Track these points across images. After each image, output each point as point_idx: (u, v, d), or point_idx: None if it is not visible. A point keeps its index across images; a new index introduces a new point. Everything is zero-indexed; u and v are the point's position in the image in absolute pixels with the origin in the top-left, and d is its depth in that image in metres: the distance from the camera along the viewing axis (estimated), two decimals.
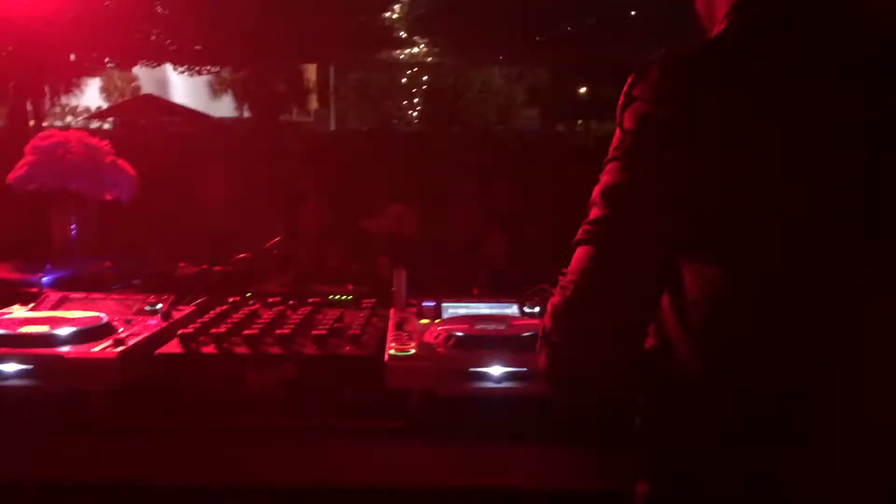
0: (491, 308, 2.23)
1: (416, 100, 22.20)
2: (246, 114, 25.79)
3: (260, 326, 1.84)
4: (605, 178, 1.13)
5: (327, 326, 1.86)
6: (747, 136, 1.03)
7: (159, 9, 6.43)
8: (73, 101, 23.61)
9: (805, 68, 1.06)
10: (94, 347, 1.74)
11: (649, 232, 1.08)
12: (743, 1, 1.16)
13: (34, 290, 2.32)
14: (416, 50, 9.31)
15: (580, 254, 1.13)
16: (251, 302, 2.20)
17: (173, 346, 1.77)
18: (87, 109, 26.16)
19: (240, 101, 26.28)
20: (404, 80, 21.25)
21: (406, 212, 3.98)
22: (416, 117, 23.57)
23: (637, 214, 1.09)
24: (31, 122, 17.83)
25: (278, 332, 1.82)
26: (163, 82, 28.20)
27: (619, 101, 1.14)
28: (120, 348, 1.72)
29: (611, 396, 1.41)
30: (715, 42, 1.16)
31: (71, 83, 21.45)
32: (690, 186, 1.05)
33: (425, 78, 21.62)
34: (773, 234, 1.03)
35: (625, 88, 1.13)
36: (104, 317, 1.92)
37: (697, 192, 1.05)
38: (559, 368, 1.18)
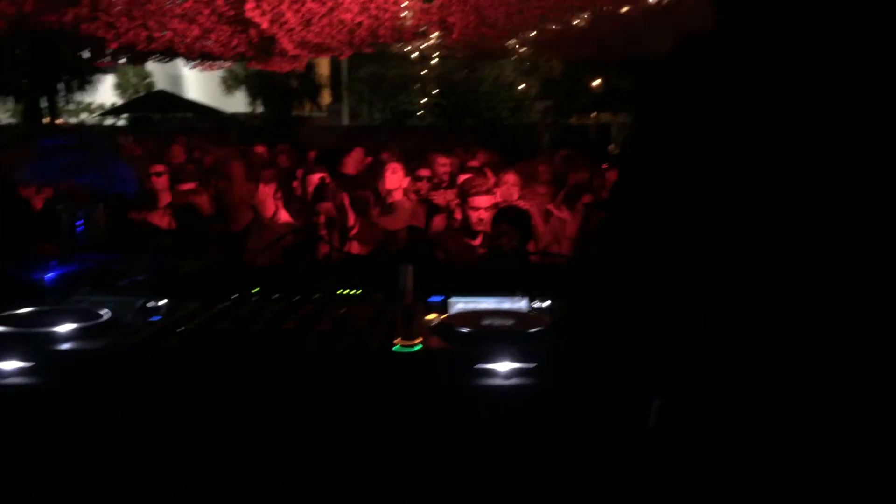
0: (499, 303, 2.19)
1: (428, 93, 22.17)
2: (259, 109, 25.86)
3: (264, 323, 1.82)
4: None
5: (331, 322, 1.83)
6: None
7: (169, 4, 6.44)
8: (88, 98, 23.73)
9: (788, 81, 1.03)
10: (97, 344, 1.72)
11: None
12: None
13: (41, 285, 2.31)
14: (427, 43, 9.29)
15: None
16: (254, 299, 2.17)
17: (174, 344, 1.75)
18: (102, 106, 26.30)
19: (253, 96, 26.34)
20: (417, 73, 21.22)
21: (417, 209, 3.96)
22: (429, 111, 23.55)
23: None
24: (46, 119, 17.94)
25: (283, 327, 1.79)
26: (176, 78, 28.33)
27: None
28: (123, 345, 1.70)
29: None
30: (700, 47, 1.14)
31: (85, 80, 21.60)
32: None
33: (437, 72, 21.58)
34: None
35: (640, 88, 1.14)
36: (108, 313, 1.91)
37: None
38: None
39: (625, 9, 7.01)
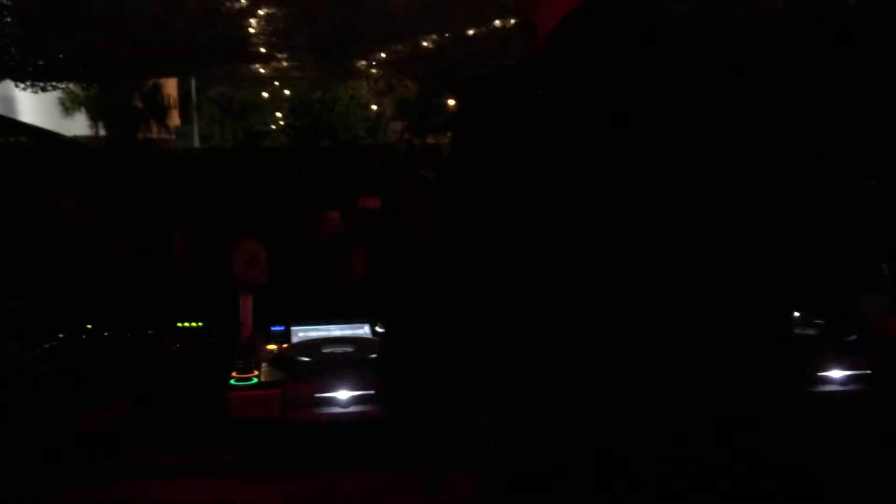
0: (342, 330, 2.20)
1: (281, 115, 21.85)
2: (102, 132, 24.64)
3: (90, 363, 1.74)
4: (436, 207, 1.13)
5: (164, 360, 1.78)
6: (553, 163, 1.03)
7: None
8: None
9: (624, 94, 1.07)
10: None
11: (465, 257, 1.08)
12: (563, 26, 1.16)
13: None
14: (277, 65, 9.17)
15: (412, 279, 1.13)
16: (84, 336, 2.07)
17: None
18: None
19: (94, 118, 25.06)
20: (267, 95, 20.88)
21: (258, 249, 3.89)
22: (283, 133, 23.20)
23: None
24: None
25: (110, 366, 1.72)
26: (7, 100, 26.55)
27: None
28: None
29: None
30: (533, 65, 1.16)
31: None
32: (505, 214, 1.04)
33: (288, 93, 21.33)
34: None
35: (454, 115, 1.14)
36: None
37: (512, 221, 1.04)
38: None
39: (471, 31, 7.19)
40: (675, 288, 1.04)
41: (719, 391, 1.06)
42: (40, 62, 7.89)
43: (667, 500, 1.02)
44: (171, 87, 25.56)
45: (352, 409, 1.71)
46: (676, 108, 1.08)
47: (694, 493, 1.03)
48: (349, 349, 1.93)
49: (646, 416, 1.03)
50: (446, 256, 1.09)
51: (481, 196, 1.04)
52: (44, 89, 10.66)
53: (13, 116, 23.10)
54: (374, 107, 26.18)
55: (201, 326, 2.29)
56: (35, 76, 9.50)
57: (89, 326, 2.24)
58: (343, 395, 1.71)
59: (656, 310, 1.04)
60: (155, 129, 24.74)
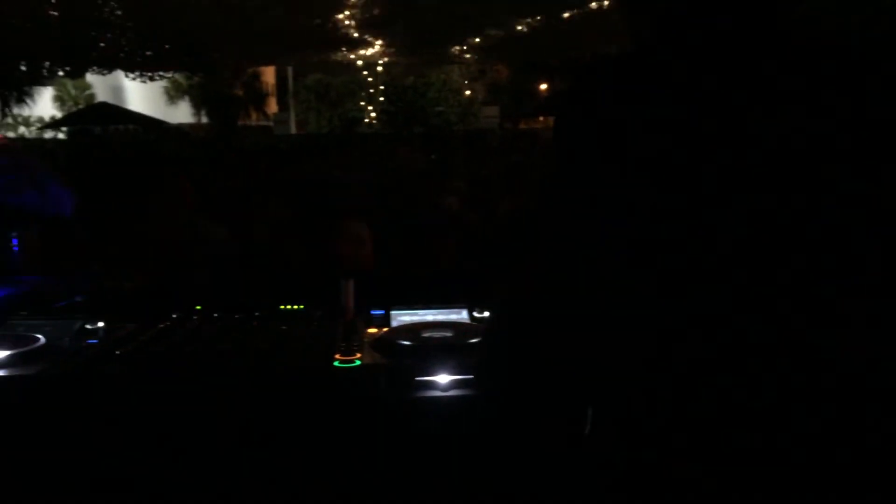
0: (441, 314, 2.22)
1: (376, 100, 22.15)
2: (204, 119, 25.53)
3: (202, 343, 1.82)
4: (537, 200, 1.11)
5: (271, 340, 1.83)
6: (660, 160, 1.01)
7: (107, 14, 6.33)
8: (26, 111, 23.15)
9: (727, 92, 1.04)
10: (30, 370, 1.70)
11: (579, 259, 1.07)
12: (665, 18, 1.13)
13: None
14: (371, 51, 9.29)
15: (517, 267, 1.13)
16: (195, 318, 2.16)
17: (111, 367, 1.73)
18: (41, 119, 25.68)
19: (197, 106, 25.99)
20: (363, 81, 21.18)
21: (363, 231, 3.95)
22: (377, 118, 23.51)
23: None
24: None
25: (220, 347, 1.79)
26: (118, 90, 27.78)
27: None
28: (59, 370, 1.68)
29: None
30: (632, 58, 1.14)
31: (23, 92, 21.08)
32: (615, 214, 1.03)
33: (384, 79, 21.58)
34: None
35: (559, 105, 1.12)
36: (41, 339, 1.88)
37: (625, 220, 1.03)
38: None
39: (566, 14, 7.10)
40: (813, 294, 1.01)
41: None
42: (148, 53, 8.23)
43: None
44: (269, 75, 26.22)
45: (451, 392, 1.72)
46: (791, 98, 1.05)
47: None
48: (448, 333, 1.95)
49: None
50: (552, 246, 1.08)
51: (591, 189, 1.03)
52: (151, 79, 11.12)
53: (122, 105, 24.23)
54: (466, 92, 26.22)
55: (302, 309, 2.35)
56: (143, 66, 9.93)
57: (198, 308, 2.34)
58: (443, 378, 1.73)
59: (790, 304, 1.01)
60: (253, 115, 25.46)
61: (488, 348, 1.19)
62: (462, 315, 2.20)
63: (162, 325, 2.03)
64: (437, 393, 1.72)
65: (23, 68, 15.17)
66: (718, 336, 1.01)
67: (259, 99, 25.12)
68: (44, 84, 23.85)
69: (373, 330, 2.05)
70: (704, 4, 1.10)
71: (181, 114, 26.98)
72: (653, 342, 1.04)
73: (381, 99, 23.66)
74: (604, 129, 1.04)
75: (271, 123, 26.27)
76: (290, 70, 25.70)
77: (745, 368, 1.00)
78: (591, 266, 1.05)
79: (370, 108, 23.30)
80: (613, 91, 1.06)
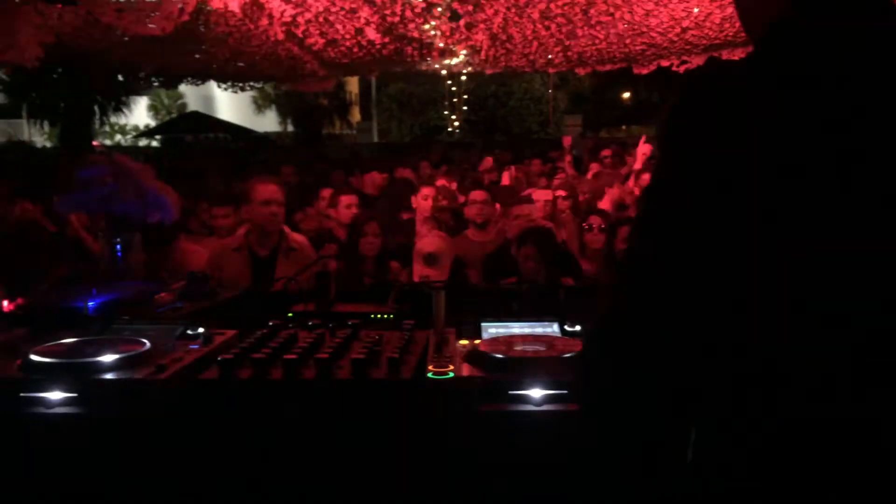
0: (531, 327, 2.20)
1: (458, 109, 22.25)
2: (290, 128, 26.12)
3: (299, 351, 1.85)
4: (645, 206, 1.10)
5: (366, 350, 1.85)
6: (779, 172, 0.99)
7: (202, 28, 6.56)
8: (122, 120, 24.11)
9: (850, 100, 1.00)
10: (137, 374, 1.76)
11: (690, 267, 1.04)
12: (789, 18, 1.09)
13: (81, 314, 2.36)
14: (455, 60, 9.37)
15: (627, 276, 1.11)
16: (290, 325, 2.20)
17: (213, 373, 1.78)
18: (136, 127, 26.72)
19: (283, 115, 26.62)
20: (445, 89, 21.32)
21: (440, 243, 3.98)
22: (459, 127, 23.62)
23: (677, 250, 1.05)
24: (82, 142, 18.27)
25: (317, 356, 1.82)
26: (208, 99, 28.68)
27: (659, 129, 1.12)
28: (162, 375, 1.74)
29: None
30: (753, 64, 1.11)
31: (119, 102, 21.96)
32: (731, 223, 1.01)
33: (466, 87, 21.66)
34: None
35: (663, 115, 1.10)
36: (147, 343, 1.95)
37: (739, 230, 1.00)
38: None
39: (654, 22, 6.99)
40: None
41: None
42: (240, 64, 8.52)
43: None
44: (352, 84, 26.65)
45: (545, 407, 1.71)
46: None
47: None
48: (540, 347, 1.93)
49: None
50: (664, 256, 1.06)
51: (703, 197, 1.01)
52: (242, 89, 11.46)
53: (212, 114, 25.00)
54: (547, 101, 26.10)
55: (392, 318, 2.37)
56: (235, 77, 10.27)
57: (290, 315, 2.38)
58: (536, 392, 1.72)
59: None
60: (337, 124, 25.90)
61: (601, 364, 1.16)
62: (553, 329, 2.19)
63: (259, 333, 2.08)
64: (531, 407, 1.71)
65: (120, 79, 15.80)
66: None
67: (343, 108, 25.55)
68: (139, 94, 24.84)
69: (464, 342, 2.05)
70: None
71: (268, 122, 27.67)
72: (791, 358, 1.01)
73: (463, 108, 23.76)
74: (719, 132, 1.01)
75: (354, 132, 26.70)
76: (373, 79, 26.04)
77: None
78: (719, 276, 1.02)
79: (452, 116, 23.41)
80: (731, 98, 1.04)
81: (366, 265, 4.26)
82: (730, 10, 5.90)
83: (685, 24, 6.87)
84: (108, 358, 1.82)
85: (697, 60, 8.46)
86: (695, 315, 1.07)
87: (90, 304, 2.34)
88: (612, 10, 6.39)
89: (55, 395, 1.72)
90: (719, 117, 1.04)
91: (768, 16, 1.13)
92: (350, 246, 4.42)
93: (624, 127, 23.83)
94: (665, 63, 9.08)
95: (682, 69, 8.81)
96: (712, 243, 1.03)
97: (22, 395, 1.73)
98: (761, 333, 1.02)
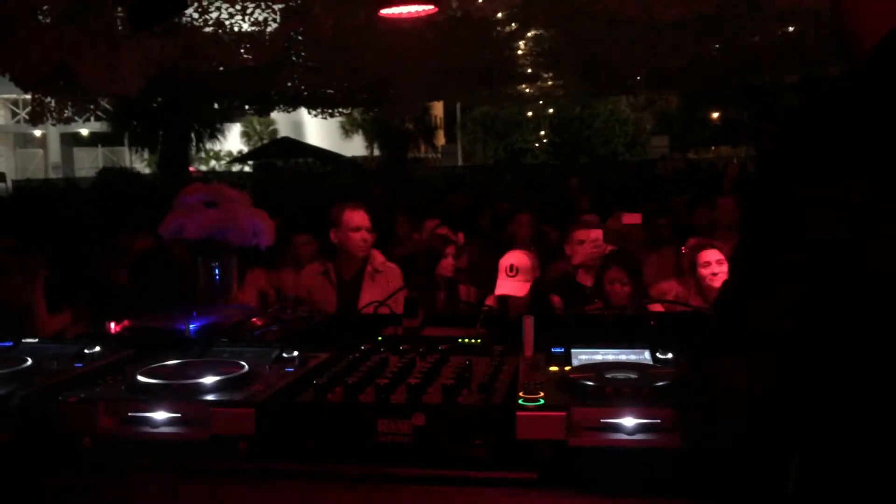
0: (622, 354, 2.17)
1: (542, 132, 22.24)
2: (376, 152, 26.62)
3: (390, 377, 1.88)
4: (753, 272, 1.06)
5: (455, 376, 1.86)
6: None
7: (294, 58, 6.77)
8: (217, 146, 25.04)
9: None
10: (236, 396, 1.82)
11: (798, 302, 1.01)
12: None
13: (182, 337, 2.45)
14: (541, 84, 9.37)
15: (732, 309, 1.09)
16: (382, 349, 2.23)
17: (308, 396, 1.83)
18: (230, 153, 27.70)
19: (370, 139, 27.16)
20: (530, 113, 21.35)
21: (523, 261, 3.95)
22: (543, 149, 23.60)
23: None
24: (180, 168, 19.04)
25: (408, 380, 1.84)
26: (298, 125, 29.50)
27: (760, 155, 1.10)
28: (259, 398, 1.79)
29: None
30: (857, 86, 1.07)
31: (215, 129, 22.83)
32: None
33: (551, 111, 21.64)
34: None
35: (765, 142, 1.09)
36: (245, 366, 2.01)
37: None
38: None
39: (755, 39, 6.87)
40: None
41: None
42: (329, 91, 8.74)
43: None
44: (437, 108, 27.00)
45: (638, 436, 1.68)
46: None
47: None
48: (633, 375, 1.91)
49: None
50: (775, 281, 1.03)
51: (815, 224, 0.98)
52: (331, 115, 11.79)
53: (302, 139, 25.70)
54: (633, 122, 25.81)
55: (480, 343, 2.38)
56: (324, 104, 10.56)
57: (380, 338, 2.42)
58: (629, 421, 1.69)
59: None
60: (423, 148, 26.26)
61: (713, 395, 1.14)
62: (645, 356, 2.15)
63: (352, 356, 2.12)
64: (623, 436, 1.69)
65: (216, 106, 16.46)
66: None
67: (428, 132, 25.90)
68: (233, 121, 25.78)
69: (554, 368, 2.04)
70: None
71: (355, 147, 28.28)
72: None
73: (548, 130, 23.75)
74: (829, 153, 0.98)
75: (439, 155, 26.99)
76: (458, 103, 26.30)
77: None
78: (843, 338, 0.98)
79: (535, 139, 23.42)
80: (840, 118, 1.01)
81: (440, 290, 4.29)
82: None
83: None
84: (209, 380, 1.89)
85: (790, 79, 8.26)
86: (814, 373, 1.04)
87: (191, 326, 2.44)
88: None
89: (160, 416, 1.80)
90: (841, 149, 1.00)
91: (876, 32, 1.09)
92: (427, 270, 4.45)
93: (713, 148, 23.31)
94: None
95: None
96: (840, 312, 0.99)
97: (130, 414, 1.81)
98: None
